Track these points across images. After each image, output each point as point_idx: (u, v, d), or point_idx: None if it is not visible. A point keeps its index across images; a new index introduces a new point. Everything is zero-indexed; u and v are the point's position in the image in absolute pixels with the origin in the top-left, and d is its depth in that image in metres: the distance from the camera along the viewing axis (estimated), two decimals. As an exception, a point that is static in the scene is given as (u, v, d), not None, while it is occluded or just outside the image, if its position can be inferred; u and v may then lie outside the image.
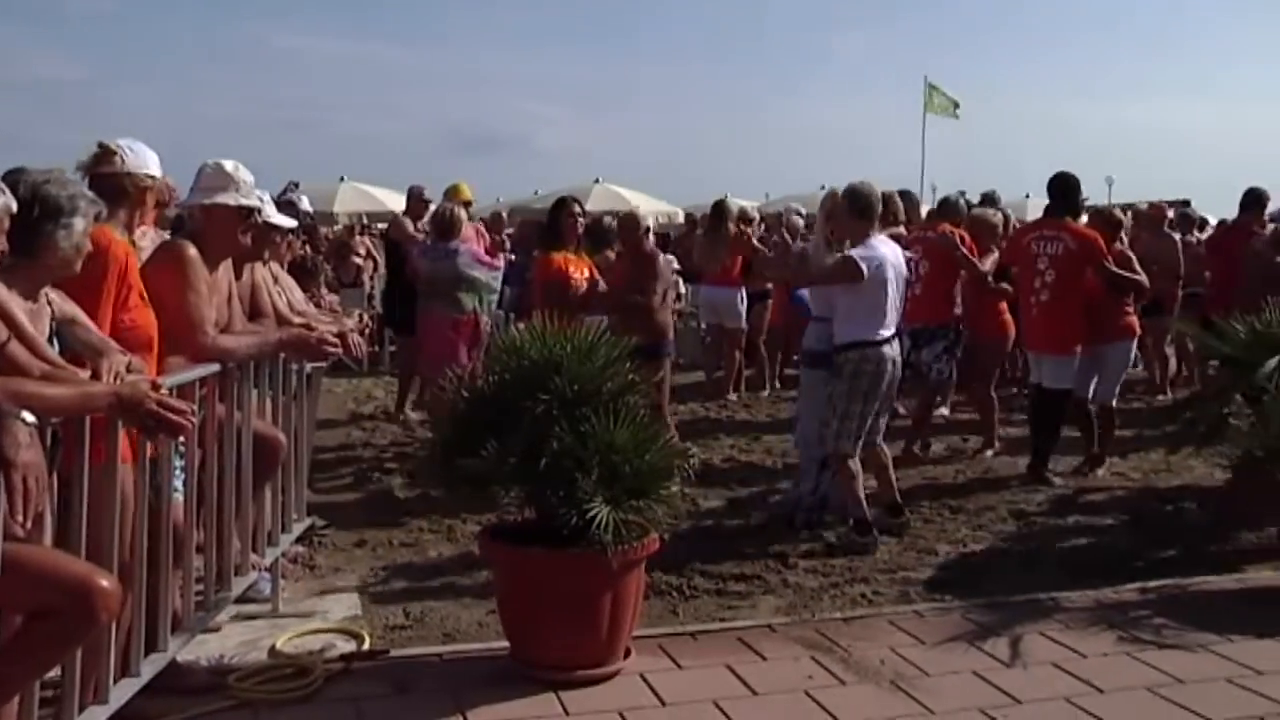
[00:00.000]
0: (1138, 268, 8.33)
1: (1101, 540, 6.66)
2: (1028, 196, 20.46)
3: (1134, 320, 8.30)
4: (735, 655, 4.75)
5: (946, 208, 9.57)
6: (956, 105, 25.78)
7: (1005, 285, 8.69)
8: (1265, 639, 4.94)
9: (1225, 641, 4.92)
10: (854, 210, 6.53)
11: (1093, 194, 22.12)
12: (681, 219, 21.01)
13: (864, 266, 6.29)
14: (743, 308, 11.90)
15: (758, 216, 12.40)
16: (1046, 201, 8.64)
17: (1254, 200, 11.02)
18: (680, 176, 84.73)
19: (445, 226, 9.38)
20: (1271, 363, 5.65)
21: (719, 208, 12.26)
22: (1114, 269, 8.04)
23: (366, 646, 4.85)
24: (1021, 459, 8.35)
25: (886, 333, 6.43)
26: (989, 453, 8.89)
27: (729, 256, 11.73)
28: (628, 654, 4.60)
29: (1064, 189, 8.30)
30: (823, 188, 16.77)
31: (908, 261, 6.97)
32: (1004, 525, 6.96)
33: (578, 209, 7.98)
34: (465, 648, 4.89)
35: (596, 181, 22.54)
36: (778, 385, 12.32)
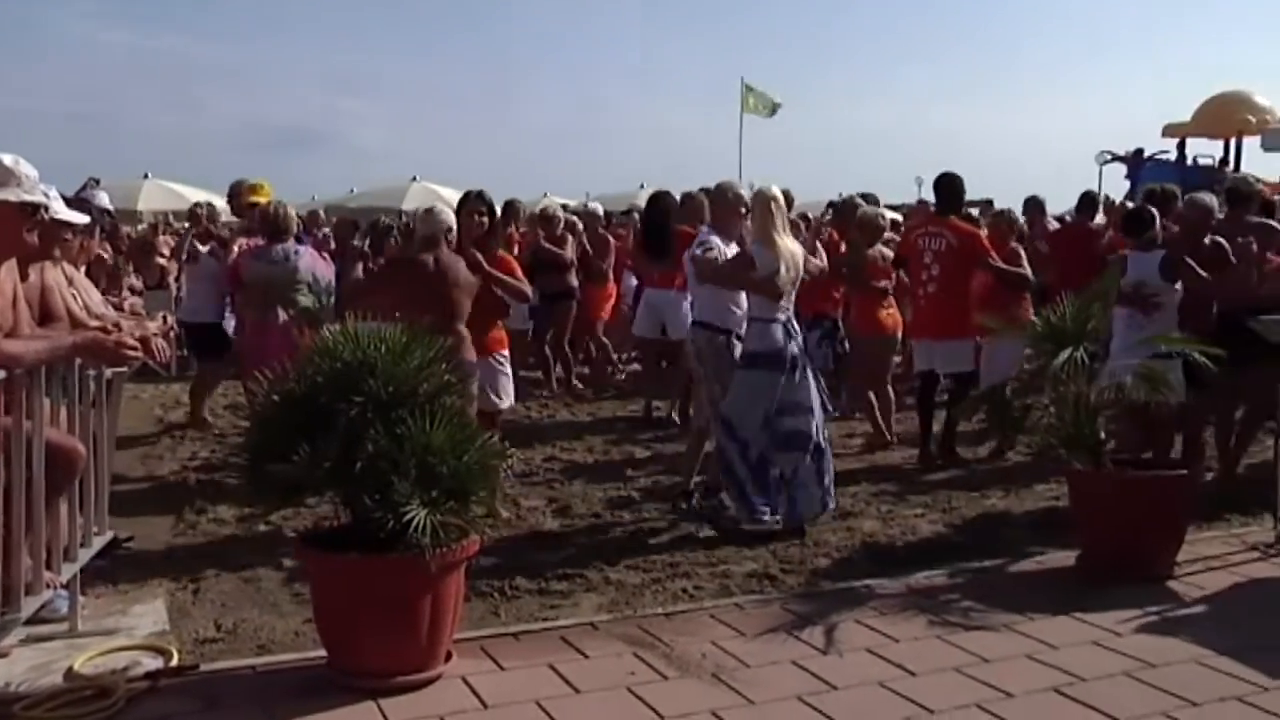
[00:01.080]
0: (1024, 264, 8.93)
1: (916, 527, 6.88)
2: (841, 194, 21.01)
3: (1027, 313, 8.64)
4: (558, 654, 4.74)
5: (844, 209, 10.06)
6: (775, 107, 26.34)
7: (885, 283, 9.17)
8: (1060, 616, 5.21)
9: (1026, 620, 5.16)
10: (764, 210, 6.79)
11: (903, 194, 22.91)
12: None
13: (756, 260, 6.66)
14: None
15: (561, 217, 12.07)
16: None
17: (1089, 202, 12.15)
18: (500, 175, 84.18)
19: (279, 226, 8.65)
20: (1064, 355, 5.93)
21: (508, 208, 11.64)
22: (998, 264, 8.59)
23: (175, 663, 4.64)
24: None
25: (782, 316, 6.73)
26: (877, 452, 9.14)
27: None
28: (449, 657, 4.53)
29: (948, 190, 8.94)
30: (642, 186, 16.90)
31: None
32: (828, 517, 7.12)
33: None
34: (280, 659, 4.74)
35: (414, 179, 22.23)
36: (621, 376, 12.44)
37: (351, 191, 23.61)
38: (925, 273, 8.71)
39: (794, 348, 6.70)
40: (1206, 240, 7.63)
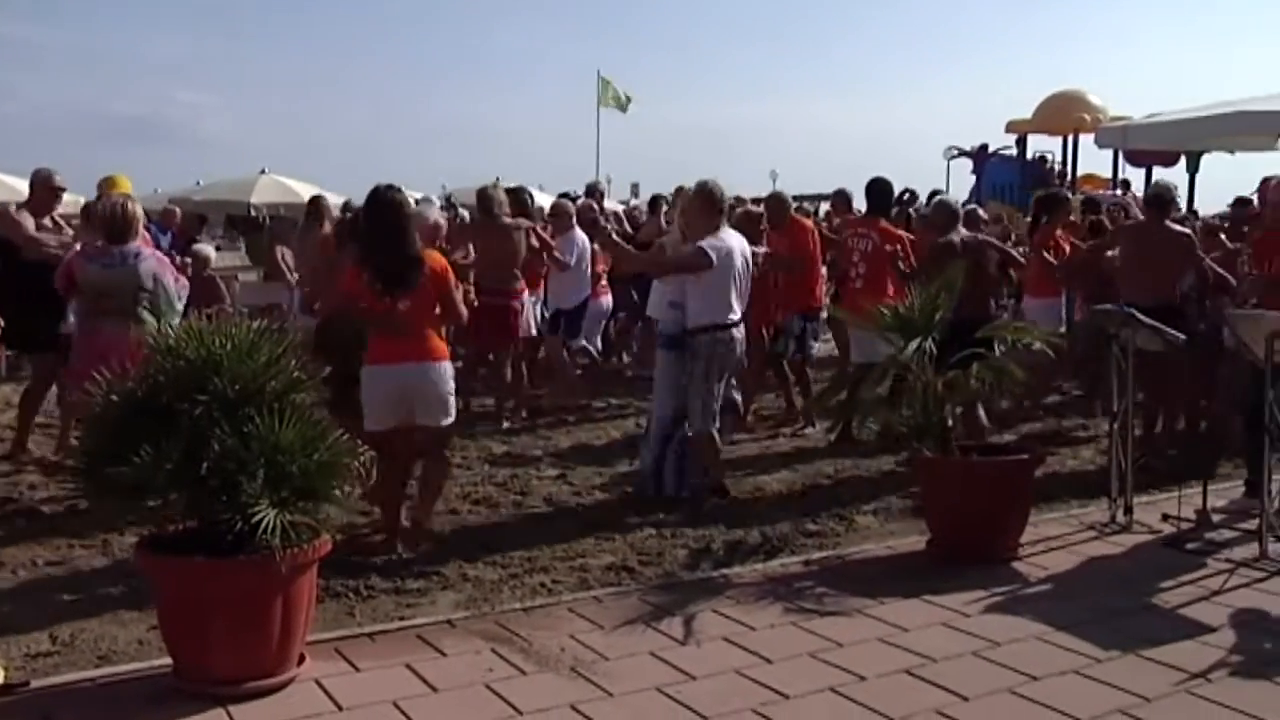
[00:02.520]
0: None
1: (772, 516, 6.96)
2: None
3: None
4: (415, 653, 4.67)
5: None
6: (627, 100, 26.45)
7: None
8: (911, 599, 5.35)
9: (878, 604, 5.28)
10: (704, 205, 7.14)
11: (759, 187, 23.20)
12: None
13: (713, 255, 6.86)
14: None
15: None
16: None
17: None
18: (353, 169, 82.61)
19: (121, 226, 7.32)
20: (913, 345, 6.08)
21: (314, 205, 11.14)
22: (908, 266, 8.68)
23: (2, 680, 4.40)
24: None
25: (735, 316, 7.05)
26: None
27: (317, 260, 10.43)
28: (301, 660, 4.43)
29: (877, 193, 9.47)
30: (497, 180, 16.77)
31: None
32: (684, 507, 7.17)
33: None
34: (123, 669, 4.55)
35: (263, 172, 21.66)
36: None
37: (197, 184, 22.87)
38: (854, 270, 9.35)
39: None
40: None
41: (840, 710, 4.22)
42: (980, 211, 11.00)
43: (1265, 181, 9.83)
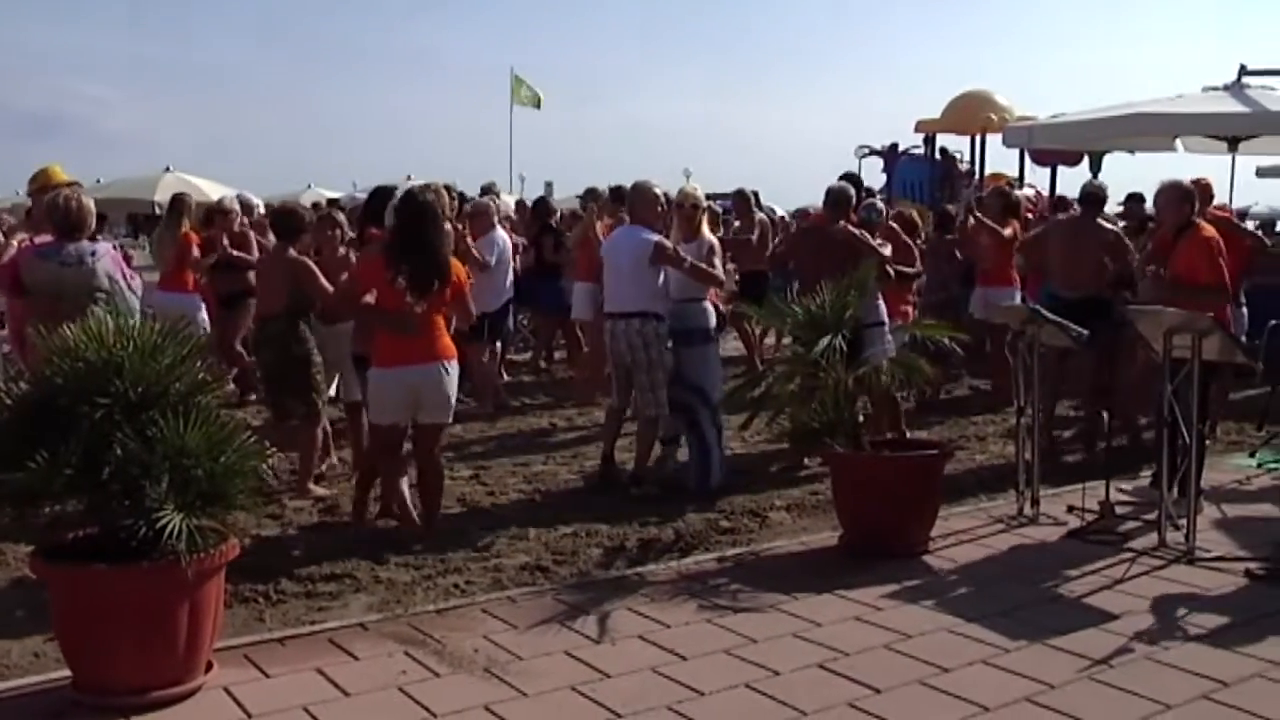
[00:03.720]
0: (913, 260, 9.33)
1: (684, 512, 6.98)
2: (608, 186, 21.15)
3: (909, 308, 9.24)
4: (326, 658, 4.61)
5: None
6: (539, 99, 26.37)
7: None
8: (824, 594, 5.40)
9: (792, 600, 5.32)
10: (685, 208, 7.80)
11: (671, 184, 23.23)
12: (262, 210, 20.14)
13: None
14: (203, 315, 10.20)
15: (236, 210, 11.30)
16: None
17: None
18: (260, 166, 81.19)
19: (75, 220, 6.69)
20: (824, 342, 6.14)
21: (175, 203, 10.56)
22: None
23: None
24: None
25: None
26: None
27: (180, 260, 10.22)
28: (209, 668, 4.34)
29: (836, 198, 8.94)
30: (409, 177, 16.60)
31: None
32: (599, 505, 7.17)
33: None
34: (18, 684, 4.41)
35: (167, 170, 21.17)
36: None
37: (99, 182, 22.27)
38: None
39: None
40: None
41: (755, 706, 4.24)
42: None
43: (1194, 183, 10.04)
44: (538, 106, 26.72)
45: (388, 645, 4.76)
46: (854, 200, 8.60)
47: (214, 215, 11.05)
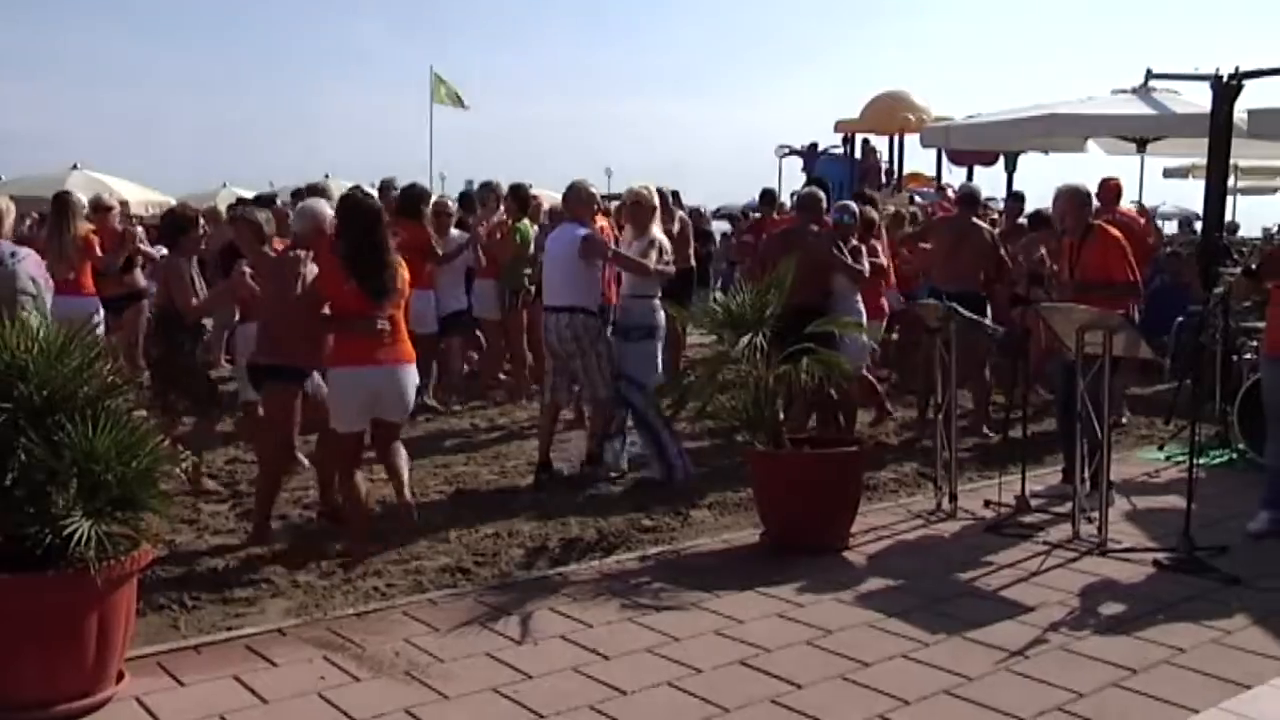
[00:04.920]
0: (879, 256, 9.38)
1: (608, 511, 6.97)
2: (530, 186, 21.06)
3: (884, 304, 9.62)
4: (243, 665, 4.53)
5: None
6: (459, 98, 26.19)
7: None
8: (746, 591, 5.43)
9: (714, 598, 5.34)
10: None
11: (596, 180, 23.22)
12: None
13: None
14: (99, 317, 9.66)
15: (115, 205, 11.02)
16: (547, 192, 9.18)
17: (769, 198, 13.16)
18: (174, 164, 79.44)
19: None
20: (744, 341, 6.17)
21: (60, 202, 9.70)
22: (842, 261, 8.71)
23: None
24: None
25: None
26: None
27: (79, 262, 9.59)
28: (121, 678, 4.25)
29: (807, 202, 9.00)
30: (327, 176, 16.40)
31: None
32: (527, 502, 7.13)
33: None
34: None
35: (75, 168, 20.70)
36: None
37: (1, 180, 21.69)
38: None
39: None
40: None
41: (677, 704, 4.25)
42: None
43: (1105, 182, 10.28)
44: (460, 105, 26.55)
45: (306, 650, 4.69)
46: (824, 204, 8.82)
47: (97, 212, 10.72)
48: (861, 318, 8.32)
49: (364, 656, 4.63)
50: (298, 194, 11.52)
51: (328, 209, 6.61)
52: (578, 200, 7.87)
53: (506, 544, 6.31)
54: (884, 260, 9.53)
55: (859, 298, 8.60)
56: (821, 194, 8.89)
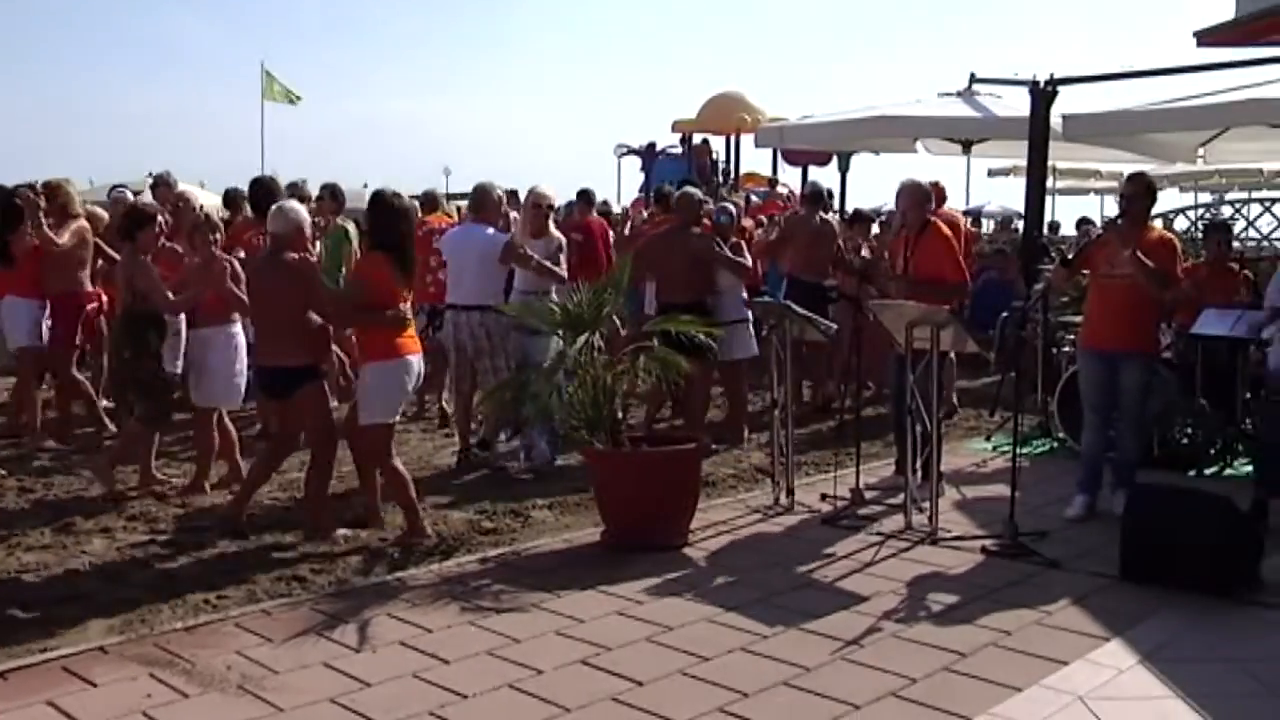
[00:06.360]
0: (743, 254, 9.38)
1: (447, 515, 6.88)
2: (365, 185, 20.64)
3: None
4: (60, 687, 4.31)
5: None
6: (292, 98, 25.62)
7: None
8: (587, 590, 5.44)
9: (554, 598, 5.33)
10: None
11: (433, 182, 22.93)
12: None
13: None
14: None
15: None
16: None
17: (587, 197, 12.79)
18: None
19: None
20: (580, 340, 6.17)
21: None
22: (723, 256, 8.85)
23: None
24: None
25: None
26: None
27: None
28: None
29: (685, 203, 9.05)
30: (150, 174, 15.85)
31: None
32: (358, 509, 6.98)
33: None
34: None
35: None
36: None
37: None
38: None
39: None
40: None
41: (518, 705, 4.21)
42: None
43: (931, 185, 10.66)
44: (293, 103, 25.96)
45: (130, 669, 4.49)
46: (701, 204, 9.13)
47: None
48: (747, 314, 8.81)
49: (194, 672, 4.47)
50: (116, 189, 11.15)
51: (304, 210, 6.89)
52: (485, 203, 8.21)
53: (343, 550, 6.16)
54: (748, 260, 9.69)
55: (744, 294, 8.95)
56: (700, 194, 9.29)
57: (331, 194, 10.43)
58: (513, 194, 13.10)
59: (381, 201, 6.47)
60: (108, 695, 4.26)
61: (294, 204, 6.97)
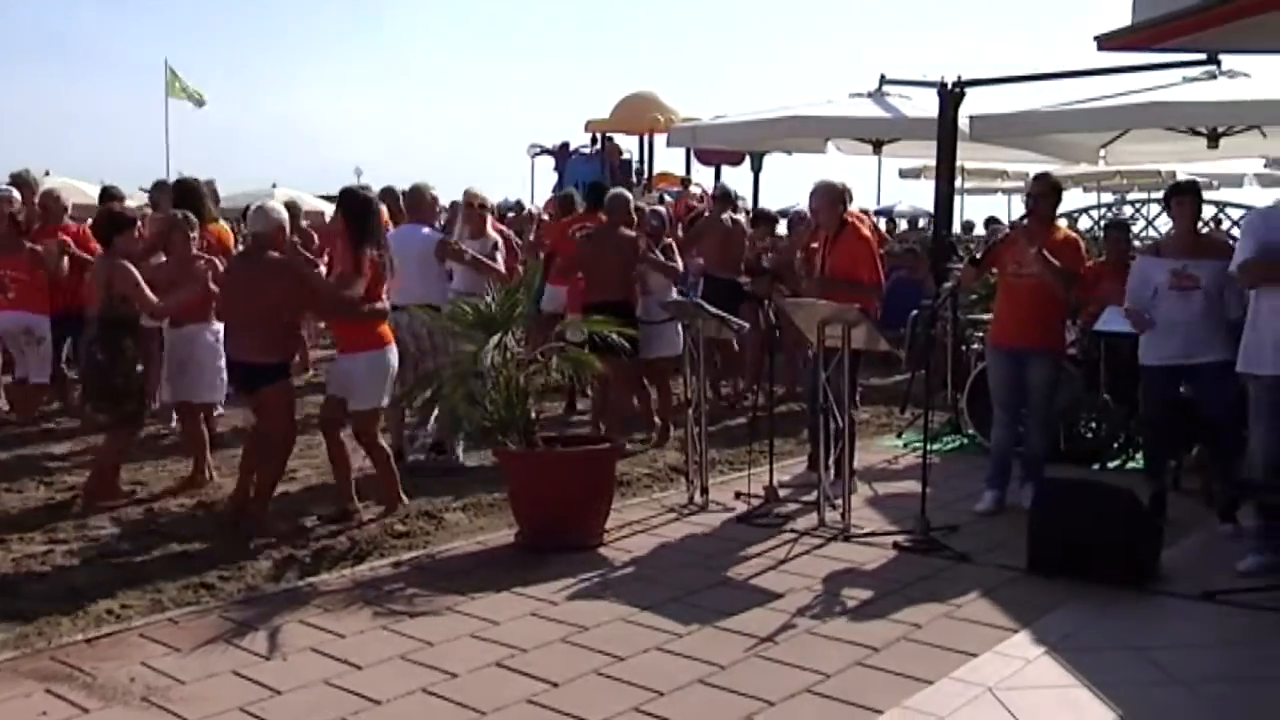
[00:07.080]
0: (674, 257, 9.43)
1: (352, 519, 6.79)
2: (275, 186, 20.33)
3: None
4: (-55, 708, 4.16)
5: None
6: (198, 97, 25.16)
7: None
8: (502, 592, 5.40)
9: (469, 600, 5.29)
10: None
11: (345, 181, 22.66)
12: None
13: None
14: None
15: None
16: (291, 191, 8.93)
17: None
18: None
19: None
20: (492, 342, 6.13)
21: None
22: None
23: None
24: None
25: None
26: None
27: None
28: None
29: (615, 204, 9.05)
30: (47, 173, 15.50)
31: None
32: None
33: None
34: None
35: None
36: None
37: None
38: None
39: None
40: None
41: (432, 710, 4.17)
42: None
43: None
44: (199, 103, 25.47)
45: (25, 685, 4.34)
46: (631, 204, 9.21)
47: None
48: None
49: (94, 685, 4.34)
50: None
51: (284, 210, 6.97)
52: (420, 203, 8.39)
53: (253, 556, 6.04)
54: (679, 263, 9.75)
55: (674, 294, 9.00)
56: (628, 195, 9.38)
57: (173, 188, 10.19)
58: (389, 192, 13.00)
59: (356, 198, 6.84)
60: None
61: (275, 204, 7.17)
